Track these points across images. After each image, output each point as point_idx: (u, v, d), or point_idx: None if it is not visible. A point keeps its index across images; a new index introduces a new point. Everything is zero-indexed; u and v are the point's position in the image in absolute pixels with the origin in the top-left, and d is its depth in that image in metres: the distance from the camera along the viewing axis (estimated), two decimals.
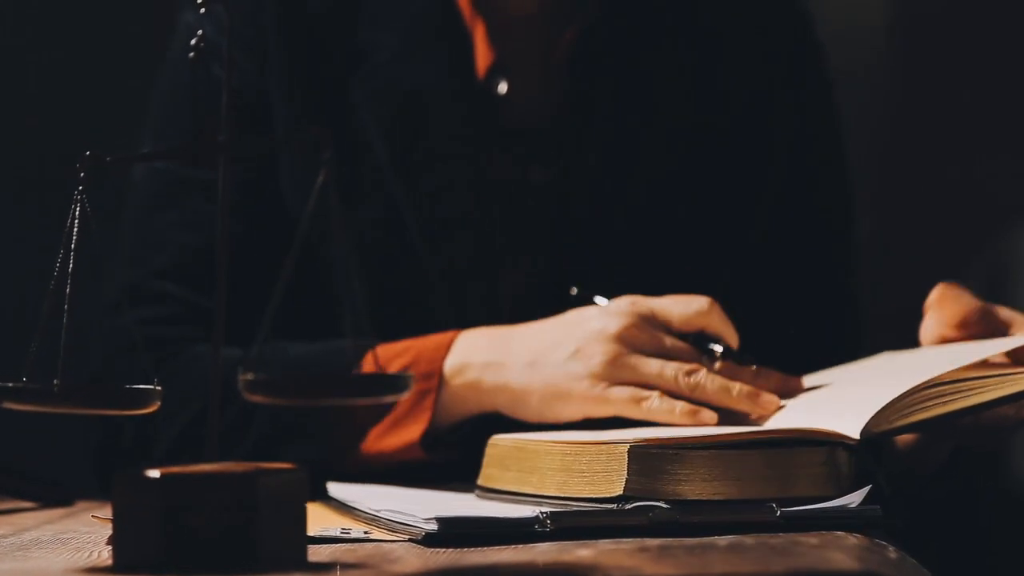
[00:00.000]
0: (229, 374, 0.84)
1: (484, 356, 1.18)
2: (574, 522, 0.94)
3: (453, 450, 1.20)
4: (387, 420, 1.19)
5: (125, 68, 1.84)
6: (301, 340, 1.24)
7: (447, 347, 1.19)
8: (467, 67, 1.33)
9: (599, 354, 1.13)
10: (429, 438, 1.19)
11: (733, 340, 1.15)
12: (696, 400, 1.11)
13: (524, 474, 1.04)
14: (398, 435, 1.18)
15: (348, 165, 1.31)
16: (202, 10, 0.89)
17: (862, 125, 1.56)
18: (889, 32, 2.03)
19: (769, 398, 1.11)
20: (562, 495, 1.00)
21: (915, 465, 1.15)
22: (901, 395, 1.03)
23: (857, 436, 1.01)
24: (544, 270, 1.32)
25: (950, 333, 1.15)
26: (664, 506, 0.95)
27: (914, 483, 1.15)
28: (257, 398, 0.82)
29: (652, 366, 1.12)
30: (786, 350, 1.35)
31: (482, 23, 1.34)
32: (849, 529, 0.93)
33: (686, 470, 0.97)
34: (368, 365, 1.10)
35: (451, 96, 1.33)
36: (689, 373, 1.11)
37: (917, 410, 1.04)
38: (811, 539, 0.90)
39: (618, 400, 1.12)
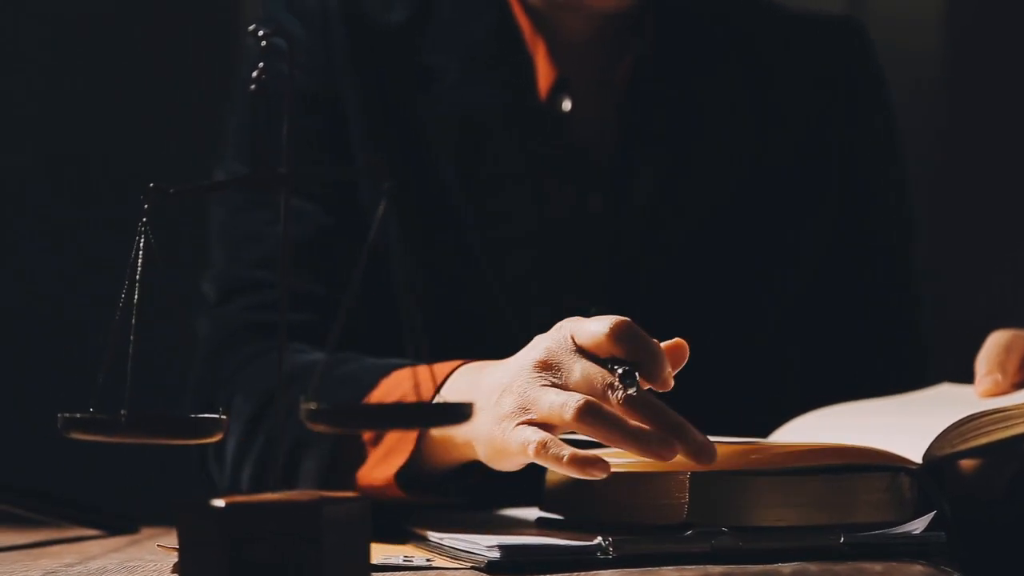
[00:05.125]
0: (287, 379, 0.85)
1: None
2: (636, 549, 0.94)
3: (446, 497, 1.13)
4: (380, 448, 1.12)
5: (196, 95, 1.86)
6: (367, 345, 1.23)
7: (436, 383, 1.10)
8: (529, 88, 1.34)
9: (509, 399, 1.01)
10: (409, 478, 1.12)
11: (647, 359, 0.99)
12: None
13: (586, 501, 1.04)
14: (383, 468, 1.12)
15: (415, 185, 1.32)
16: (263, 43, 0.90)
17: (915, 149, 1.55)
18: (941, 55, 2.02)
19: (658, 440, 0.96)
20: (624, 522, 1.00)
21: (978, 490, 1.14)
22: (963, 419, 1.02)
23: (919, 461, 1.01)
24: (605, 296, 1.32)
25: (1007, 391, 1.14)
26: (727, 533, 0.95)
27: (977, 508, 1.14)
28: (320, 427, 0.83)
29: (544, 404, 0.99)
30: (848, 378, 1.35)
31: (543, 43, 1.35)
32: (914, 556, 0.93)
33: (748, 497, 0.96)
34: (380, 392, 1.11)
35: (513, 117, 1.33)
36: (583, 410, 0.97)
37: (980, 434, 1.03)
38: (875, 566, 0.89)
39: (516, 448, 1.00)
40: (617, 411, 0.97)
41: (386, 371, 1.17)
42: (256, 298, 1.31)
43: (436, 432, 1.09)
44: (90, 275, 1.85)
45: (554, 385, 0.99)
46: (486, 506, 1.17)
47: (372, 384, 1.16)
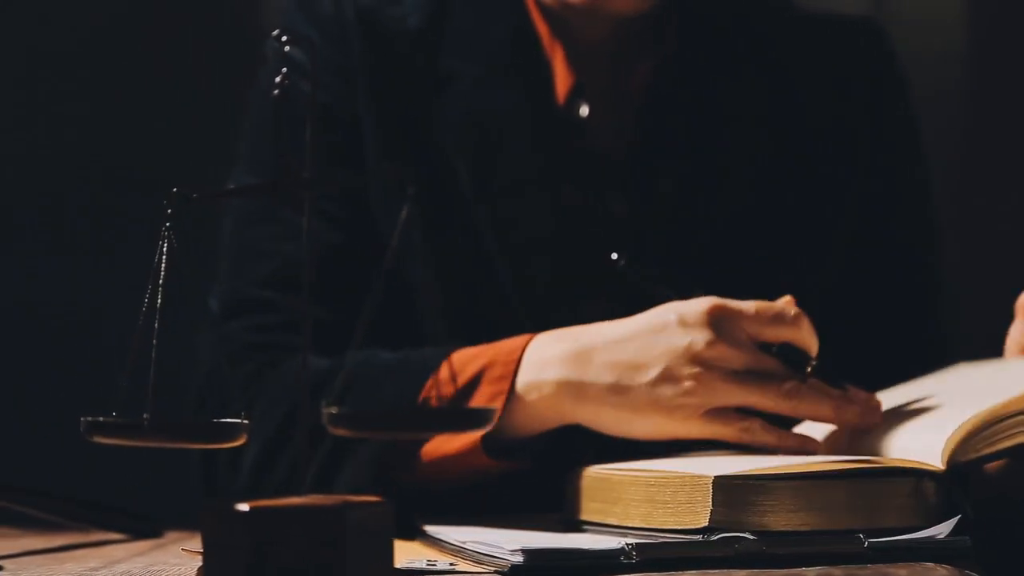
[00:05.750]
0: (315, 385, 0.85)
1: (560, 372, 1.15)
2: (660, 553, 0.93)
3: (524, 462, 1.18)
4: None
5: (211, 99, 1.87)
6: (387, 346, 1.24)
7: (519, 353, 1.17)
8: (547, 93, 1.34)
9: (689, 378, 1.11)
10: (493, 444, 1.16)
11: (816, 350, 1.13)
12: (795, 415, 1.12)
13: (608, 505, 1.04)
14: (461, 436, 1.14)
15: (432, 190, 1.32)
16: (286, 48, 0.90)
17: (937, 149, 1.55)
18: (963, 55, 2.01)
19: (872, 405, 1.11)
20: (647, 526, 1.00)
21: (1004, 492, 1.14)
22: (988, 422, 1.02)
23: (943, 465, 1.00)
24: (625, 301, 1.32)
25: None
26: (750, 537, 0.95)
27: (1003, 511, 1.14)
28: (341, 431, 0.83)
29: (749, 393, 1.10)
30: (867, 377, 1.34)
31: (561, 48, 1.35)
32: (938, 560, 0.93)
33: (772, 501, 0.96)
34: (444, 372, 1.15)
35: (531, 122, 1.33)
36: (788, 394, 1.10)
37: (1005, 437, 1.03)
38: (900, 570, 0.89)
39: (719, 431, 1.11)
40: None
41: (443, 354, 1.18)
42: (259, 319, 1.30)
43: (534, 398, 1.15)
44: (91, 276, 1.85)
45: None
46: (508, 510, 1.17)
47: (433, 367, 1.17)
